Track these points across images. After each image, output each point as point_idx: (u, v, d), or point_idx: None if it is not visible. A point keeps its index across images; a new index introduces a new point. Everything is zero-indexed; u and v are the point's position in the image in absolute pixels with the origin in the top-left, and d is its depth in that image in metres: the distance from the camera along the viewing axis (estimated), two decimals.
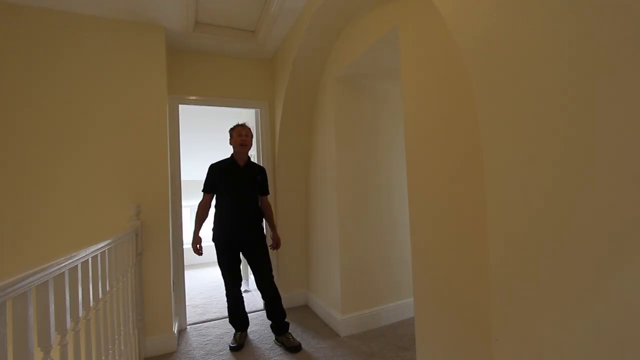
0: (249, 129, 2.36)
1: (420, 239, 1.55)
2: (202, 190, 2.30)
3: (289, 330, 2.30)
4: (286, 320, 2.30)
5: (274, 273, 2.95)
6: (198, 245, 2.27)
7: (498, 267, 0.99)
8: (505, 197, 0.96)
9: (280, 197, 2.98)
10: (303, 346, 2.20)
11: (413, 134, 1.57)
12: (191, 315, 2.87)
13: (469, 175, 1.27)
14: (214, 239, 2.27)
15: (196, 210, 2.31)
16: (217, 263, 2.29)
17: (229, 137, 2.36)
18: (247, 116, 3.43)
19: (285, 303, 2.95)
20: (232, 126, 2.37)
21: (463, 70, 1.27)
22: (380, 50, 1.95)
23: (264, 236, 2.35)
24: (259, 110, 3.05)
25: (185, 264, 2.72)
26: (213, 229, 2.29)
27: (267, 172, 2.99)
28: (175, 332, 2.32)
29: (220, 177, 2.26)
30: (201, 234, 2.32)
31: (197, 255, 2.30)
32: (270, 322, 2.32)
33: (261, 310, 2.90)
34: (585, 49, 0.74)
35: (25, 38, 2.02)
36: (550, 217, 0.83)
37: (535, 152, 0.86)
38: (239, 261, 2.32)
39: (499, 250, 0.98)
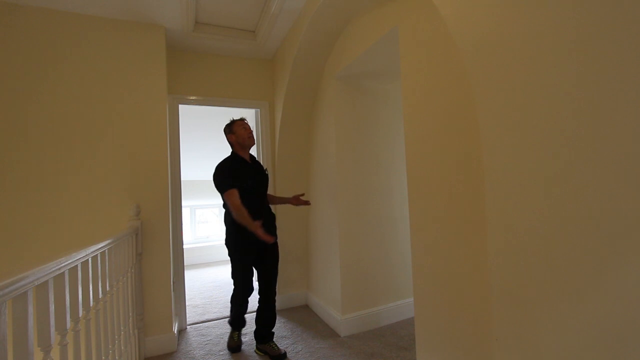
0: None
1: (420, 238, 1.55)
2: (230, 186, 1.95)
3: (273, 340, 2.21)
4: (273, 330, 2.21)
5: None
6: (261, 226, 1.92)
7: (498, 267, 0.99)
8: (504, 196, 0.96)
9: None
10: (302, 346, 2.20)
11: (413, 134, 1.57)
12: (191, 315, 2.87)
13: (469, 175, 1.27)
14: (234, 242, 2.06)
15: (234, 209, 1.93)
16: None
17: (229, 134, 2.15)
18: (247, 116, 3.43)
19: (285, 303, 2.96)
20: (228, 122, 2.19)
21: (463, 70, 1.27)
22: (380, 50, 1.95)
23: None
24: (259, 110, 3.05)
25: (185, 264, 2.72)
26: (233, 231, 2.06)
27: (267, 172, 3.00)
28: (175, 332, 2.32)
29: (245, 177, 2.04)
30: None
31: (266, 239, 1.91)
32: (254, 328, 2.22)
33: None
34: (585, 50, 0.74)
35: (24, 38, 2.02)
36: (549, 216, 0.83)
37: (535, 152, 0.86)
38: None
39: (499, 250, 0.98)
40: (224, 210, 2.19)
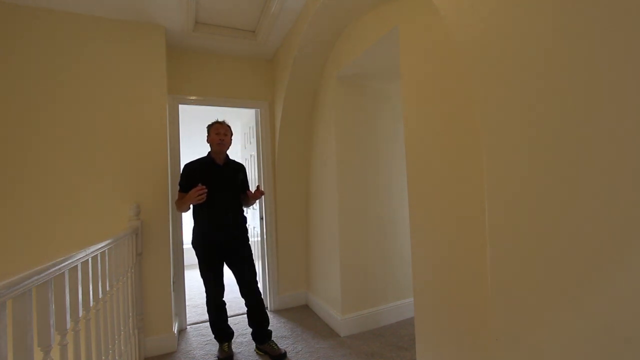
0: (228, 126, 2.23)
1: (420, 238, 1.55)
2: (180, 191, 2.13)
3: (272, 339, 2.21)
4: (269, 328, 2.21)
5: (274, 273, 2.97)
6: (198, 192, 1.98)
7: (498, 267, 0.99)
8: (504, 196, 0.96)
9: (280, 197, 2.98)
10: (302, 346, 2.20)
11: (413, 134, 1.57)
12: (191, 315, 2.87)
13: (469, 175, 1.27)
14: (195, 244, 2.13)
15: (175, 206, 2.16)
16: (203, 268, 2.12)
17: (207, 134, 2.22)
18: (247, 116, 3.43)
19: (285, 303, 2.96)
20: (210, 123, 2.22)
21: (463, 70, 1.27)
22: (380, 50, 1.95)
23: (248, 238, 2.25)
24: (259, 110, 3.05)
25: (185, 264, 2.72)
26: (194, 233, 2.16)
27: (267, 172, 3.00)
28: (175, 332, 2.32)
29: (198, 178, 2.07)
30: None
31: (199, 199, 1.98)
32: (250, 330, 2.22)
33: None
34: (584, 50, 0.74)
35: (24, 38, 2.01)
36: (549, 217, 0.83)
37: (536, 152, 0.86)
38: (223, 268, 2.19)
39: (499, 250, 0.98)
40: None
